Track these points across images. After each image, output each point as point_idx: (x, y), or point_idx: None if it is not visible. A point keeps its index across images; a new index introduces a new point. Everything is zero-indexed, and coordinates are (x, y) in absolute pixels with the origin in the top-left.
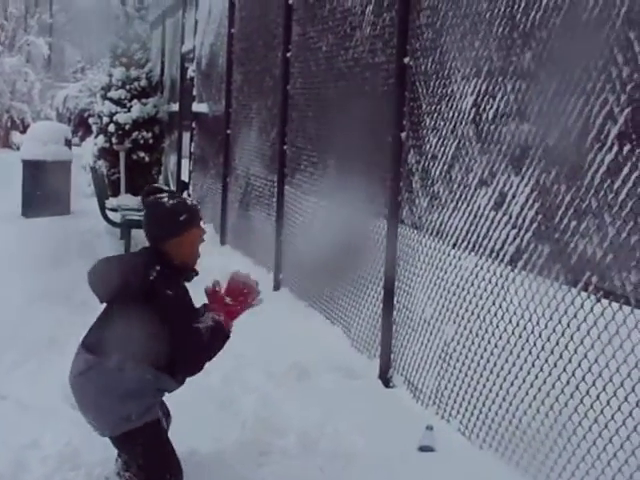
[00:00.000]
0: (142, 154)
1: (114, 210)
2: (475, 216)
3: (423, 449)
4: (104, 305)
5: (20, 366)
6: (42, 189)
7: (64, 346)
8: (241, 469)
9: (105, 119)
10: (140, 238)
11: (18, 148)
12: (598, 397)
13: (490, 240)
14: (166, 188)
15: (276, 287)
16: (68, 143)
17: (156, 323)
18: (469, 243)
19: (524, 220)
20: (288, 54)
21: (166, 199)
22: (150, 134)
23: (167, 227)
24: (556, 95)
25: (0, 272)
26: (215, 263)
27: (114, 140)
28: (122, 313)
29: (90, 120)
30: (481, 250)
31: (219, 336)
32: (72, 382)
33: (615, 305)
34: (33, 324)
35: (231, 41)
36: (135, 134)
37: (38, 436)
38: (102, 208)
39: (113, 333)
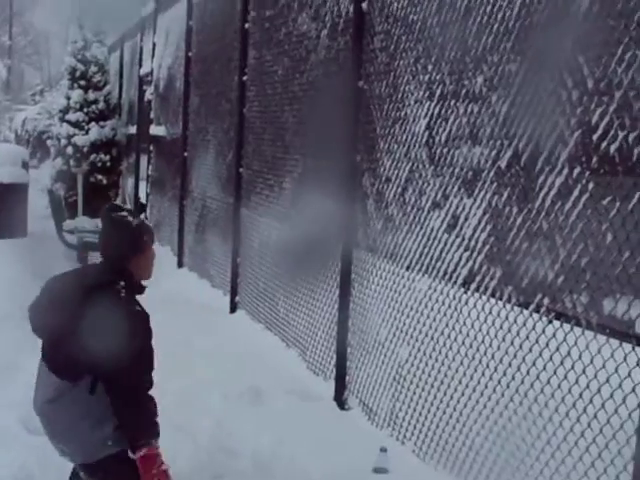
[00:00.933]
0: (100, 176)
1: (71, 232)
2: (428, 238)
3: (377, 471)
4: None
5: None
6: None
7: (19, 369)
8: None
9: (63, 141)
10: (97, 259)
11: None
12: (551, 418)
13: (443, 262)
14: (126, 207)
15: (232, 309)
16: (25, 165)
17: (124, 341)
18: (422, 265)
19: (477, 242)
20: (244, 77)
21: (130, 218)
22: (108, 157)
23: (134, 244)
24: (507, 118)
25: None
26: (172, 286)
27: (72, 162)
28: (89, 333)
29: (48, 142)
30: (434, 272)
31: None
32: (41, 410)
33: (566, 326)
34: None
35: (188, 64)
36: (93, 156)
37: None
38: (59, 230)
39: (81, 354)
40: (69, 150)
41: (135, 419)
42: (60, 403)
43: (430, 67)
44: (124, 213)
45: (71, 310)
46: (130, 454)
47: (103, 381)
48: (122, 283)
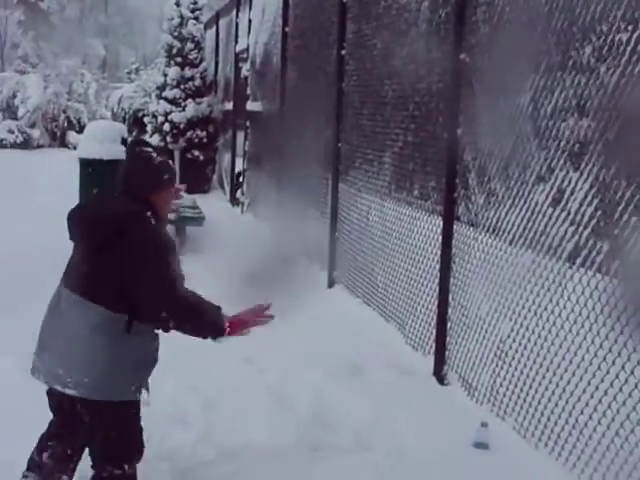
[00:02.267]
0: (196, 153)
1: None
2: (532, 213)
3: (478, 446)
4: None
5: None
6: (98, 187)
7: None
8: (295, 465)
9: (160, 118)
10: (195, 234)
11: (75, 148)
12: None
13: (548, 237)
14: (151, 143)
15: (330, 284)
16: (124, 142)
17: (158, 264)
18: (526, 240)
19: (583, 216)
20: (343, 52)
21: (155, 154)
22: (204, 133)
23: (157, 180)
24: (616, 89)
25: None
26: (272, 259)
27: (169, 139)
28: (126, 264)
29: (145, 119)
30: (538, 247)
31: (209, 317)
32: (74, 333)
33: None
34: None
35: (285, 39)
36: (189, 133)
37: None
38: None
39: (119, 288)
40: (166, 127)
41: (197, 327)
42: (102, 331)
43: (535, 38)
44: (149, 149)
45: (109, 234)
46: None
47: (143, 308)
48: (149, 213)
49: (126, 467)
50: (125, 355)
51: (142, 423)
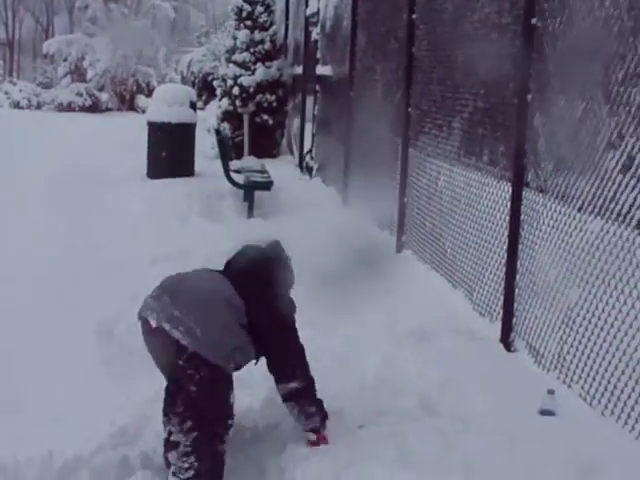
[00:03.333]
0: (266, 117)
1: (238, 172)
2: (602, 180)
3: (544, 413)
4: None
5: None
6: (167, 151)
7: None
8: (360, 428)
9: (229, 82)
10: (262, 199)
11: (143, 111)
12: None
13: (617, 204)
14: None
15: (399, 249)
16: (193, 106)
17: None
18: (595, 207)
19: None
20: (413, 16)
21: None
22: (274, 97)
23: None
24: None
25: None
26: (338, 225)
27: (238, 103)
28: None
29: (214, 83)
30: (607, 214)
31: (321, 408)
32: (205, 295)
33: None
34: None
35: (356, 3)
36: (259, 97)
37: None
38: (226, 170)
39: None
40: (235, 90)
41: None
42: (219, 303)
43: (608, 2)
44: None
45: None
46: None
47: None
48: None
49: (205, 432)
50: (238, 337)
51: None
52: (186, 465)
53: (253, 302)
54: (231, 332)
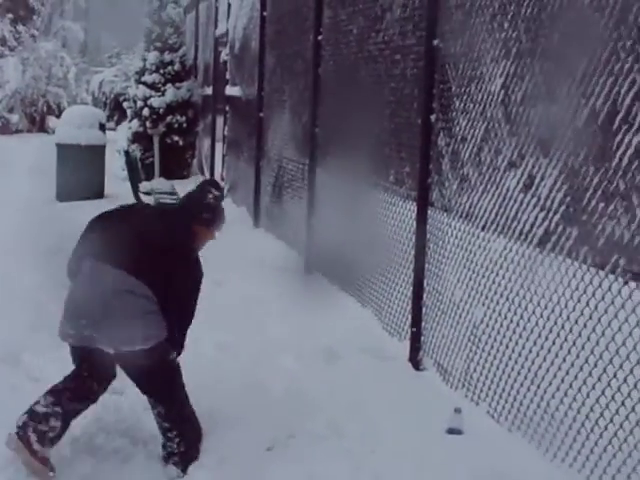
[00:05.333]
0: (176, 138)
1: (148, 194)
2: (504, 198)
3: (451, 431)
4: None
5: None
6: (76, 173)
7: None
8: (268, 450)
9: (139, 103)
10: None
11: (54, 132)
12: (625, 380)
13: (519, 222)
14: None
15: (307, 270)
16: (102, 127)
17: (182, 287)
18: (498, 225)
19: (553, 202)
20: (319, 37)
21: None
22: (184, 118)
23: (218, 220)
24: (585, 76)
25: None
26: (249, 245)
27: (148, 124)
28: (160, 260)
29: (125, 104)
30: (510, 232)
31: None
32: (108, 296)
33: None
34: None
35: (263, 24)
36: (169, 118)
37: None
38: (135, 191)
39: (150, 273)
40: (145, 112)
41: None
42: (132, 294)
43: (505, 24)
44: (218, 193)
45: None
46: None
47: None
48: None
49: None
50: (147, 313)
51: None
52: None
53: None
54: (149, 317)
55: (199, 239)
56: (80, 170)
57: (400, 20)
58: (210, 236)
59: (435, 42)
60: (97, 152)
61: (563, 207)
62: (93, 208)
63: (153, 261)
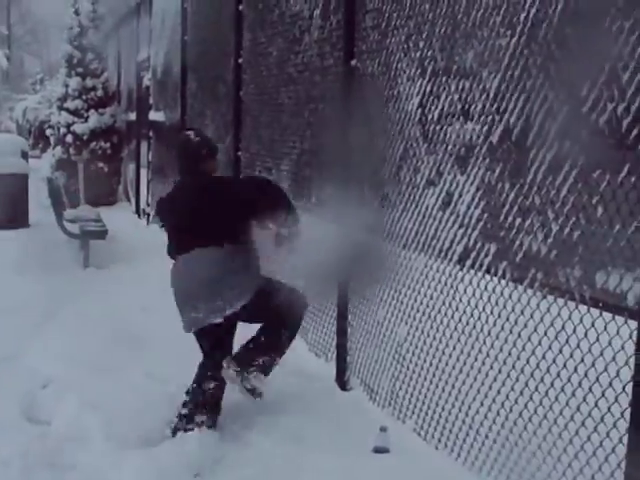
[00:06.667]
0: (100, 164)
1: (73, 221)
2: (423, 216)
3: (378, 450)
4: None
5: None
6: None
7: (19, 360)
8: (195, 477)
9: (62, 130)
10: (98, 248)
11: None
12: (547, 393)
13: (438, 240)
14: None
15: None
16: (25, 155)
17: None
18: (418, 243)
19: (470, 219)
20: (240, 60)
21: (194, 135)
22: (108, 144)
23: (202, 154)
24: (499, 93)
25: None
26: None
27: (72, 151)
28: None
29: (48, 132)
30: (430, 250)
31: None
32: (203, 285)
33: (560, 301)
34: None
35: (184, 48)
36: (93, 144)
37: None
38: (59, 219)
39: (227, 226)
40: (69, 138)
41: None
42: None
43: (422, 43)
44: (188, 132)
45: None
46: None
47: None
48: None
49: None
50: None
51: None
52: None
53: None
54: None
55: (215, 169)
56: (2, 199)
57: (318, 41)
58: (216, 162)
59: (353, 62)
60: (20, 180)
61: (481, 223)
62: (17, 236)
63: (221, 216)
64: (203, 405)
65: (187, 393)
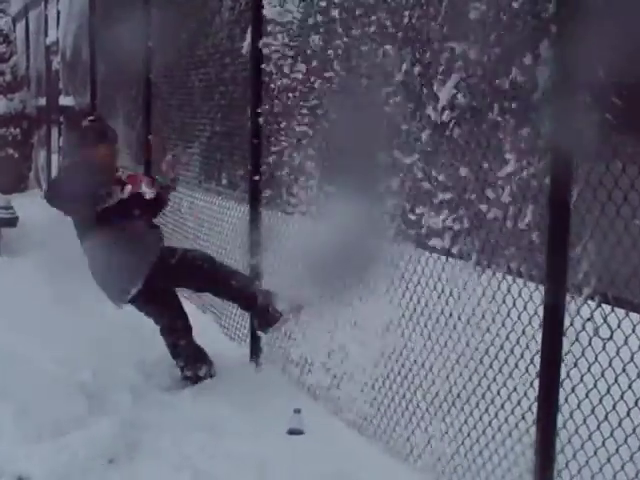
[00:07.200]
0: (11, 151)
1: None
2: None
3: (292, 432)
4: None
5: None
6: None
7: None
8: (114, 466)
9: None
10: (10, 236)
11: None
12: (453, 369)
13: None
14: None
15: None
16: None
17: None
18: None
19: None
20: (149, 43)
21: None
22: (18, 130)
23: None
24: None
25: None
26: None
27: None
28: None
29: None
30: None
31: None
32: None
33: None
34: None
35: (93, 31)
36: (2, 130)
37: None
38: None
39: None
40: None
41: None
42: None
43: None
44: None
45: None
46: None
47: None
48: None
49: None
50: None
51: None
52: None
53: None
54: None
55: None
56: None
57: (230, 23)
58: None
59: (260, 43)
60: None
61: None
62: None
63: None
64: (192, 359)
65: (173, 357)
